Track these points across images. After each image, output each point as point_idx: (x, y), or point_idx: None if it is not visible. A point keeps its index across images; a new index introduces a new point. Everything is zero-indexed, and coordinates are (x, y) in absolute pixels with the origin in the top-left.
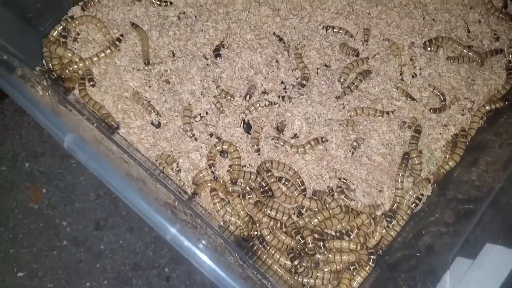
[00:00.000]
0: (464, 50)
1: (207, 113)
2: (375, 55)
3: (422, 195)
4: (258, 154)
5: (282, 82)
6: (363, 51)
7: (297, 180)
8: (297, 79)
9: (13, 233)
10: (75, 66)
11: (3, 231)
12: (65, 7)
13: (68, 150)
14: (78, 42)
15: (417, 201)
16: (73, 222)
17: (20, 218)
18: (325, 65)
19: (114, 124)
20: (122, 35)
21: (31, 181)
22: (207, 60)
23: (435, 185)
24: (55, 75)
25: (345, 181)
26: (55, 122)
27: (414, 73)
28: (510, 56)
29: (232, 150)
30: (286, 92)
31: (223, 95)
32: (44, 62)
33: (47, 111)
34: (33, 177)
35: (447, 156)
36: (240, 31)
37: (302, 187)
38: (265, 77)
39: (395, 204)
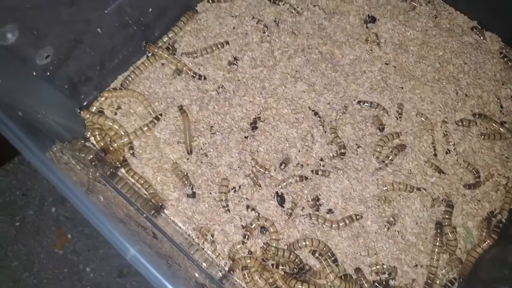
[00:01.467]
0: (497, 128)
1: (240, 187)
2: (408, 131)
3: (455, 279)
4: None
5: (321, 159)
6: (396, 126)
7: (328, 253)
8: (333, 154)
9: (38, 279)
10: (123, 140)
11: (28, 276)
12: (107, 80)
13: (130, 261)
14: (118, 114)
15: (449, 284)
16: (97, 268)
17: (44, 263)
18: (360, 140)
19: (159, 204)
20: (161, 114)
21: (57, 226)
22: (244, 133)
23: (460, 279)
24: (98, 148)
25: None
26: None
27: (448, 149)
28: None
29: (272, 230)
30: (321, 166)
31: (259, 168)
32: (86, 134)
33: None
34: (59, 222)
35: (483, 235)
36: (277, 105)
37: (332, 258)
38: (299, 151)
39: (429, 282)
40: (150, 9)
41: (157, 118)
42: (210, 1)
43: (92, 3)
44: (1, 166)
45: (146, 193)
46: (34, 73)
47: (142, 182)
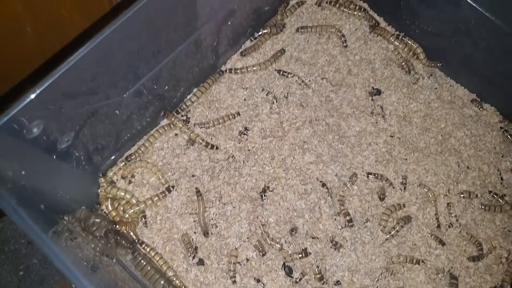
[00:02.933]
0: (498, 200)
1: (248, 260)
2: (412, 202)
3: None
4: None
5: (329, 231)
6: (401, 198)
7: None
8: (341, 225)
9: None
10: (134, 210)
11: None
12: (122, 149)
13: None
14: (132, 184)
15: None
16: None
17: None
18: (366, 211)
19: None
20: (173, 186)
21: (61, 275)
22: (253, 203)
23: None
24: (110, 218)
25: None
26: None
27: (451, 221)
28: None
29: None
30: (329, 238)
31: (267, 238)
32: (100, 206)
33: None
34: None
35: None
36: (286, 175)
37: None
38: (307, 221)
39: None
40: (166, 86)
41: (168, 190)
42: (223, 72)
43: (112, 91)
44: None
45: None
46: (55, 157)
47: (158, 258)
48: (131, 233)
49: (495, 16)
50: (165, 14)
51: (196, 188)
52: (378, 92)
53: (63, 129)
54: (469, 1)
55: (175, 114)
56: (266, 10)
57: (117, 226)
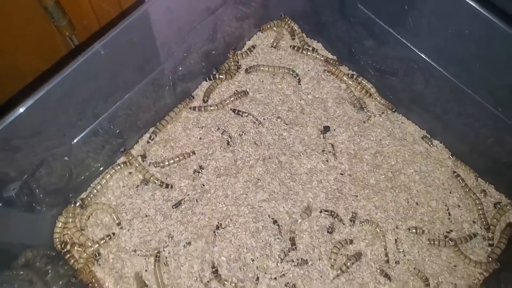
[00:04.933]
0: (442, 236)
1: None
2: (361, 239)
3: None
4: None
5: (280, 269)
6: (350, 234)
7: None
8: (292, 264)
9: None
10: (88, 252)
11: None
12: (77, 190)
13: None
14: (86, 225)
15: None
16: None
17: None
18: (316, 248)
19: None
20: (121, 227)
21: None
22: (205, 241)
23: None
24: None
25: None
26: None
27: (399, 257)
28: (490, 240)
29: None
30: (279, 275)
31: (217, 277)
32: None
33: None
34: None
35: None
36: (238, 212)
37: None
38: (257, 257)
39: None
40: (123, 125)
41: (120, 227)
42: (193, 109)
43: (59, 139)
44: None
45: None
46: (0, 204)
47: None
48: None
49: (437, 64)
50: (124, 54)
51: (156, 253)
52: (327, 128)
53: (8, 178)
54: (414, 49)
55: (131, 152)
56: (216, 54)
57: (76, 278)
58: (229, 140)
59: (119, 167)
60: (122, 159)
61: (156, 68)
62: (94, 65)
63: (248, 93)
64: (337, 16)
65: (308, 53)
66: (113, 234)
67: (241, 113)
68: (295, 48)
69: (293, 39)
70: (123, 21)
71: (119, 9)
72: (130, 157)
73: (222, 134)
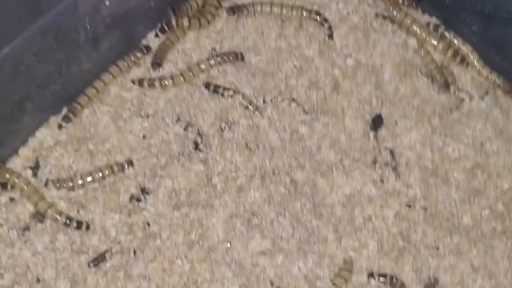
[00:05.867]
0: None
1: None
2: None
3: None
4: None
5: None
6: None
7: None
8: None
9: None
10: None
11: None
12: None
13: None
14: None
15: None
16: None
17: None
18: None
19: None
20: None
21: None
22: None
23: None
24: None
25: None
26: None
27: None
28: None
29: None
30: None
31: None
32: None
33: None
34: None
35: None
36: (213, 277)
37: None
38: None
39: None
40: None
41: None
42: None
43: None
44: None
45: None
46: None
47: None
48: None
49: None
50: None
51: None
52: (380, 121)
53: None
54: None
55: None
56: None
57: None
58: (199, 140)
59: None
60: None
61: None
62: None
63: (241, 57)
64: None
65: None
66: None
67: (221, 90)
68: None
69: None
70: None
71: None
72: (7, 174)
73: (185, 129)
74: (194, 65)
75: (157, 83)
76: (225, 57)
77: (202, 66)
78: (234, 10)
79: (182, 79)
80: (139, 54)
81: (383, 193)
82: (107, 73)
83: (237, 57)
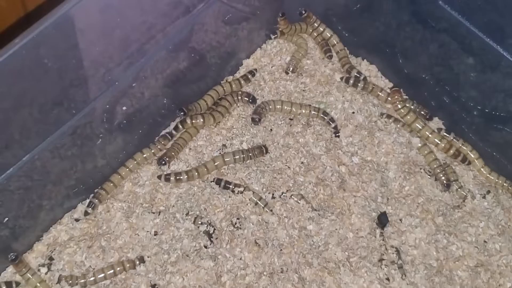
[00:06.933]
0: None
1: None
2: None
3: None
4: None
5: None
6: None
7: None
8: None
9: None
10: None
11: None
12: None
13: None
14: None
15: None
16: None
17: None
18: None
19: None
20: None
21: None
22: None
23: None
24: None
25: None
26: None
27: None
28: None
29: None
30: None
31: None
32: None
33: None
34: None
35: None
36: None
37: None
38: None
39: None
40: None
41: None
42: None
43: None
44: None
45: None
46: None
47: None
48: None
49: None
50: (25, 82)
51: None
52: (385, 218)
53: None
54: None
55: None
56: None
57: None
58: (209, 237)
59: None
60: (10, 271)
61: (83, 107)
62: None
63: (266, 151)
64: (405, 17)
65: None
66: None
67: (232, 186)
68: (345, 80)
69: (328, 57)
70: (29, 29)
71: (22, 10)
72: (24, 268)
73: (194, 222)
74: (207, 161)
75: (174, 179)
76: (250, 154)
77: (227, 159)
78: (259, 119)
79: (197, 174)
80: (164, 142)
81: None
82: (132, 159)
83: (263, 152)
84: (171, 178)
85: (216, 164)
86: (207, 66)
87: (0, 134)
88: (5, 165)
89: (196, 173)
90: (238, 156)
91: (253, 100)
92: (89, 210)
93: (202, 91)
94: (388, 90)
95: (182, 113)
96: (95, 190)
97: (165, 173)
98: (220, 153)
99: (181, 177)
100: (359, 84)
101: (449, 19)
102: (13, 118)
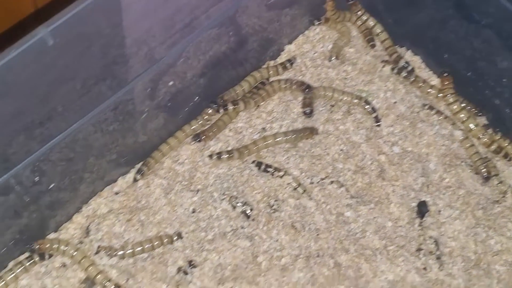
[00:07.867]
0: None
1: None
2: None
3: None
4: None
5: None
6: None
7: None
8: None
9: None
10: None
11: None
12: None
13: None
14: None
15: None
16: None
17: None
18: None
19: None
20: None
21: None
22: None
23: None
24: None
25: None
26: None
27: None
28: None
29: None
30: None
31: None
32: None
33: None
34: None
35: None
36: None
37: None
38: None
39: None
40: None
41: None
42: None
43: None
44: None
45: None
46: None
47: None
48: None
49: None
50: (69, 56)
51: None
52: (425, 208)
53: None
54: None
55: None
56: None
57: None
58: (246, 217)
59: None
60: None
61: (125, 83)
62: (13, 74)
63: (315, 132)
64: (450, 10)
65: (419, 84)
66: None
67: (271, 170)
68: (397, 71)
69: (372, 45)
70: (75, 3)
71: None
72: (53, 244)
73: (233, 205)
74: (249, 144)
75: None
76: (301, 134)
77: (278, 139)
78: (311, 110)
79: (239, 155)
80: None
81: (426, 281)
82: (181, 131)
83: (312, 133)
84: (223, 156)
85: (266, 143)
86: (248, 50)
87: (43, 105)
88: (48, 136)
89: (247, 151)
90: (289, 137)
91: (308, 90)
92: (138, 176)
93: (240, 76)
94: (433, 82)
95: (214, 105)
96: (146, 159)
97: (216, 151)
98: (259, 136)
99: (233, 155)
100: (411, 77)
101: (494, 13)
102: (57, 91)
